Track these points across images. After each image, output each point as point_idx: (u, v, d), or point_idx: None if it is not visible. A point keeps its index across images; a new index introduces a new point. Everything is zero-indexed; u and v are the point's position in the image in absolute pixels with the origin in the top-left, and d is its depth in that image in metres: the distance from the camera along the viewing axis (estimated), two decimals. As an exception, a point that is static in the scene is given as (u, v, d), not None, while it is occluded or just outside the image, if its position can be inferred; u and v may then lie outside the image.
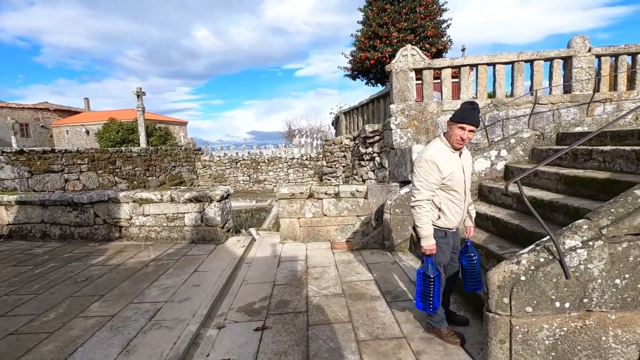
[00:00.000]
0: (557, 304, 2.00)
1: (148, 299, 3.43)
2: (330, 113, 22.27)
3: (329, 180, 11.61)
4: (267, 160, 19.11)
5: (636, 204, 1.99)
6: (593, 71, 6.24)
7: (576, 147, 3.66)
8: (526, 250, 2.10)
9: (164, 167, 16.38)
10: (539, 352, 2.03)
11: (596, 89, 6.22)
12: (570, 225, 2.08)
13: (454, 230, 2.55)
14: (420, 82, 6.71)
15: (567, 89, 6.39)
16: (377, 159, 7.64)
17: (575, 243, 1.99)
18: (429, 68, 6.44)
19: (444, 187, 2.38)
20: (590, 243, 1.97)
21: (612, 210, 2.03)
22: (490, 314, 2.07)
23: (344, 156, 10.77)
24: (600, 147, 3.57)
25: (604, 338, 2.03)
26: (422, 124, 6.38)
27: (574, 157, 3.84)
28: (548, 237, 2.06)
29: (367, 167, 8.32)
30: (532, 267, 2.00)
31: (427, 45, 13.30)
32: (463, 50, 19.59)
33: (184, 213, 5.44)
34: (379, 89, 16.48)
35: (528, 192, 3.70)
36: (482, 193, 4.50)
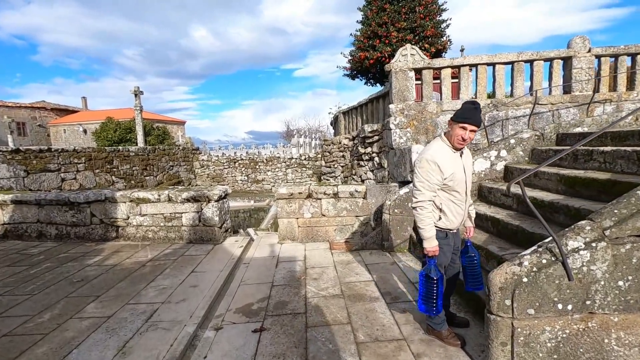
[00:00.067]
0: (560, 306, 1.97)
1: (145, 300, 3.39)
2: (329, 113, 22.26)
3: (328, 180, 11.58)
4: (266, 160, 19.06)
5: (639, 205, 1.97)
6: (593, 72, 6.23)
7: (577, 148, 3.64)
8: (528, 251, 2.08)
9: (161, 166, 16.30)
10: (540, 354, 2.01)
11: (596, 90, 6.22)
12: (572, 227, 2.05)
13: (455, 231, 2.53)
14: (419, 82, 6.69)
15: (567, 90, 6.38)
16: (376, 159, 7.61)
17: (578, 244, 1.97)
18: (429, 68, 6.42)
19: (445, 188, 2.35)
20: (593, 244, 1.95)
21: (615, 211, 2.00)
22: (492, 316, 2.05)
23: (343, 156, 10.74)
24: (601, 148, 3.55)
25: (606, 340, 2.01)
26: (421, 124, 6.36)
27: (575, 157, 3.82)
28: (550, 238, 2.03)
29: (366, 167, 8.29)
30: (535, 269, 1.97)
31: (426, 45, 13.31)
32: (462, 50, 19.59)
33: (182, 213, 5.40)
34: (378, 88, 16.45)
35: (528, 192, 3.68)
36: (482, 193, 4.48)
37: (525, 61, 6.34)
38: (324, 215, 5.35)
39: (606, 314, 1.99)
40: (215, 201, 5.31)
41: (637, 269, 1.94)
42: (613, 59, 6.36)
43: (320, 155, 16.06)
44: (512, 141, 4.73)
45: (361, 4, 14.69)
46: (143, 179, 14.86)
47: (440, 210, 2.39)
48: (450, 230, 2.46)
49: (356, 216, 5.35)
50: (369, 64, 14.06)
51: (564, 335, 2.00)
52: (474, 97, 6.76)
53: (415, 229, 2.48)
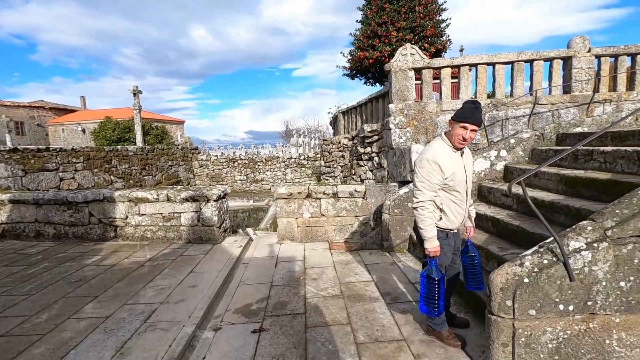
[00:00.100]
0: (561, 307, 1.96)
1: (143, 300, 3.37)
2: (328, 113, 22.24)
3: (327, 180, 11.57)
4: (265, 159, 19.04)
5: (641, 205, 1.95)
6: (593, 72, 6.23)
7: (577, 148, 3.63)
8: (529, 251, 2.06)
9: (160, 166, 16.27)
10: (542, 355, 1.99)
11: (596, 90, 6.21)
12: (574, 227, 2.04)
13: (456, 231, 2.51)
14: (419, 82, 6.67)
15: (567, 90, 6.38)
16: (376, 158, 7.60)
17: (580, 245, 1.95)
18: (429, 67, 6.41)
19: (446, 188, 2.34)
20: (595, 245, 1.94)
21: (617, 211, 1.99)
22: (493, 316, 2.03)
23: (342, 156, 10.73)
24: (601, 148, 3.54)
25: (607, 341, 2.00)
26: (421, 123, 6.34)
27: (575, 157, 3.81)
28: (552, 238, 2.02)
29: (366, 167, 8.28)
30: (536, 269, 1.96)
31: (426, 45, 13.30)
32: (461, 50, 19.58)
33: (181, 212, 5.37)
34: (377, 88, 16.44)
35: (529, 192, 3.61)
36: (482, 193, 4.47)
37: (525, 61, 6.34)
38: (324, 215, 5.34)
39: (608, 315, 1.98)
40: (214, 201, 5.29)
41: (638, 270, 1.93)
42: (613, 59, 6.36)
43: (319, 155, 16.04)
44: (512, 141, 4.72)
45: (361, 4, 14.69)
46: (142, 178, 14.83)
47: (441, 210, 2.38)
48: (451, 230, 2.45)
49: (355, 216, 5.34)
50: (368, 64, 14.05)
51: (565, 336, 1.98)
52: (473, 97, 6.76)
53: (416, 229, 2.47)
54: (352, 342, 2.61)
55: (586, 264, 1.94)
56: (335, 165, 11.25)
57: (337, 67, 18.42)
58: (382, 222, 4.75)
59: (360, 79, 16.25)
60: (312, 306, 3.20)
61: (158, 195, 5.38)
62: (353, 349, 2.51)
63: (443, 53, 14.38)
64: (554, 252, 1.98)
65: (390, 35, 13.22)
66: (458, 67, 6.49)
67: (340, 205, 5.31)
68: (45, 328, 2.88)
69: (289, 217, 5.35)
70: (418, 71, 6.51)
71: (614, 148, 3.41)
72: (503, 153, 4.68)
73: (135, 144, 17.76)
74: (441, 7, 14.14)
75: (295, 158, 18.77)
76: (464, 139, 2.28)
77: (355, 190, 5.27)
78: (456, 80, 6.95)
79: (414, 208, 2.36)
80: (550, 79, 6.42)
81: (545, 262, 1.97)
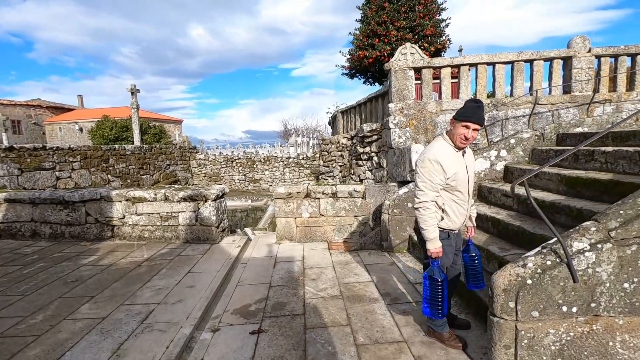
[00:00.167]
0: (564, 309, 1.93)
1: (140, 301, 3.33)
2: (327, 112, 22.24)
3: (326, 179, 11.53)
4: (263, 159, 18.99)
5: (646, 205, 1.93)
6: (593, 72, 6.22)
7: (580, 148, 3.61)
8: (532, 252, 2.04)
9: (158, 165, 16.19)
10: (544, 357, 1.97)
11: (596, 90, 6.20)
12: (577, 227, 2.01)
13: (457, 231, 2.49)
14: (419, 82, 6.65)
15: (567, 90, 6.36)
16: (375, 158, 7.57)
17: (584, 246, 1.93)
18: (429, 67, 6.38)
19: (448, 188, 2.31)
20: (599, 246, 1.91)
21: (621, 212, 1.97)
22: (495, 318, 2.01)
23: (341, 156, 10.69)
24: (602, 148, 3.52)
25: (611, 343, 1.97)
26: (421, 123, 6.32)
27: (576, 158, 3.79)
28: (555, 239, 2.00)
29: (365, 166, 8.25)
30: (539, 271, 1.93)
31: (425, 44, 13.29)
32: (460, 50, 19.57)
33: (178, 212, 5.33)
34: (376, 88, 16.44)
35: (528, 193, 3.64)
36: (482, 194, 4.45)
37: (525, 61, 6.32)
38: (323, 215, 5.30)
39: (611, 317, 1.95)
40: (213, 200, 5.25)
41: (643, 271, 1.91)
42: (613, 60, 6.35)
43: (318, 155, 16.01)
44: (512, 141, 4.70)
45: (360, 3, 14.64)
46: (139, 177, 14.75)
47: (443, 210, 2.35)
48: (453, 230, 2.42)
49: (355, 216, 5.31)
50: (367, 63, 14.03)
51: (568, 338, 1.96)
52: (473, 96, 6.74)
53: (417, 229, 2.43)
54: (352, 343, 2.58)
55: (590, 265, 1.91)
56: (334, 165, 11.22)
57: (336, 66, 18.38)
58: (382, 222, 4.72)
59: (360, 79, 16.24)
60: (312, 307, 3.17)
61: (156, 194, 5.34)
62: (353, 351, 2.48)
63: (443, 53, 14.37)
64: (557, 253, 1.96)
65: (389, 34, 13.20)
66: (458, 66, 6.47)
67: (339, 205, 5.28)
68: (40, 329, 2.84)
69: (288, 217, 5.31)
70: (418, 71, 6.48)
71: (615, 148, 3.40)
72: (503, 153, 4.66)
73: (133, 143, 17.67)
74: (441, 6, 14.13)
75: (294, 158, 18.73)
76: (466, 138, 2.25)
77: (355, 190, 5.24)
78: (456, 80, 6.92)
79: (416, 209, 2.32)
80: (550, 79, 6.41)
81: (549, 263, 1.94)
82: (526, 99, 6.26)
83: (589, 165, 3.61)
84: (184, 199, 5.27)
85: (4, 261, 4.58)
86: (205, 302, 3.24)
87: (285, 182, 18.29)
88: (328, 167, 11.73)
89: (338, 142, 10.91)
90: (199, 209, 5.27)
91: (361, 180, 8.32)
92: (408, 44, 6.56)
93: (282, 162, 18.74)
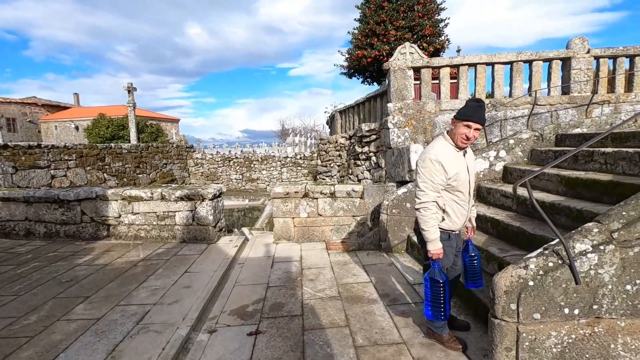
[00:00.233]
0: (566, 311, 1.91)
1: (136, 301, 3.28)
2: (325, 112, 22.21)
3: (324, 179, 11.50)
4: (261, 158, 18.94)
5: (648, 207, 1.92)
6: (592, 73, 6.22)
7: (581, 149, 3.61)
8: (534, 254, 2.02)
9: (154, 164, 16.10)
10: (546, 360, 1.95)
11: (594, 91, 6.21)
12: (580, 229, 1.99)
13: (457, 232, 2.46)
14: (418, 82, 6.63)
15: (566, 90, 6.37)
16: (374, 158, 7.55)
17: (586, 247, 1.91)
18: (428, 67, 6.37)
19: (449, 188, 2.28)
20: (601, 247, 1.89)
21: (624, 213, 1.95)
22: (496, 320, 1.98)
23: (339, 155, 10.67)
24: (602, 149, 3.51)
25: (612, 346, 1.96)
26: (419, 123, 6.30)
27: (575, 158, 3.78)
28: (557, 240, 1.98)
29: (363, 166, 8.23)
30: (541, 272, 1.91)
31: (424, 44, 13.28)
32: (458, 51, 19.60)
33: (175, 211, 5.28)
34: (374, 87, 16.44)
35: (528, 194, 3.63)
36: (481, 194, 4.43)
37: (525, 61, 6.32)
38: (321, 215, 5.27)
39: (613, 319, 1.94)
40: (210, 200, 5.21)
41: (645, 273, 1.89)
42: (611, 61, 6.36)
43: (315, 155, 15.97)
44: (511, 142, 4.69)
45: (359, 2, 14.61)
46: (136, 176, 14.66)
47: (444, 211, 2.32)
48: (453, 231, 2.40)
49: (353, 216, 5.28)
50: (366, 63, 14.01)
51: (570, 341, 1.94)
52: (472, 97, 6.73)
53: (417, 230, 2.41)
54: (350, 345, 2.55)
55: (592, 267, 1.89)
56: (332, 165, 11.19)
57: (334, 65, 18.38)
58: (380, 223, 4.70)
59: (358, 78, 16.22)
60: (310, 308, 3.14)
61: (152, 193, 5.28)
62: (352, 352, 2.45)
63: (441, 53, 14.38)
64: (559, 254, 1.93)
65: (388, 34, 13.18)
66: (457, 66, 6.46)
67: (337, 205, 5.25)
68: (34, 330, 2.79)
69: (286, 216, 5.28)
70: (417, 70, 6.46)
71: (615, 149, 3.39)
72: (502, 154, 4.65)
73: (130, 142, 17.56)
74: (440, 6, 14.13)
75: (292, 157, 18.69)
76: (467, 138, 2.23)
77: (353, 190, 5.21)
78: (455, 80, 6.92)
79: (417, 209, 2.29)
80: (549, 79, 6.41)
81: (551, 264, 1.92)
82: (525, 100, 6.26)
83: (589, 166, 3.60)
84: (181, 198, 5.22)
85: (-2, 260, 4.52)
86: (202, 303, 3.20)
87: (282, 181, 18.24)
88: (326, 166, 11.71)
89: (336, 142, 10.88)
90: (195, 208, 5.23)
91: (359, 180, 8.30)
92: (407, 44, 6.53)
93: (280, 161, 18.70)
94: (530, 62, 6.31)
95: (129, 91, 17.47)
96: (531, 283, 1.90)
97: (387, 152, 6.57)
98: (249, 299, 3.37)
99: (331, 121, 13.99)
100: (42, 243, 5.33)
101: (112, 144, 14.13)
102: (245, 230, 6.40)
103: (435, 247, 2.25)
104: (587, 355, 1.95)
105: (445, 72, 6.39)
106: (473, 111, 2.20)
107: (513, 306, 1.93)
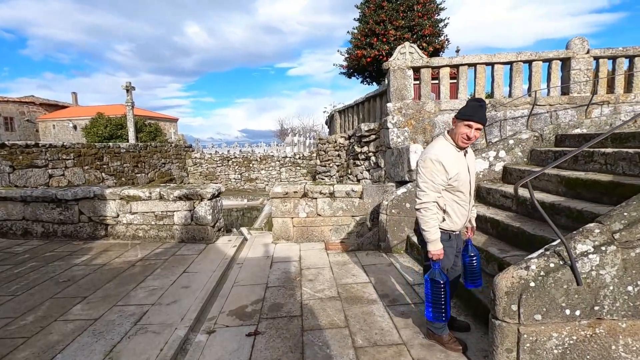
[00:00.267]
0: (568, 312, 1.90)
1: (134, 301, 3.26)
2: (324, 112, 22.19)
3: (323, 179, 11.48)
4: (259, 158, 18.91)
5: (650, 207, 1.91)
6: (591, 73, 6.22)
7: (583, 149, 3.60)
8: (535, 255, 2.01)
9: (153, 163, 16.05)
10: (547, 361, 1.94)
11: (594, 91, 6.21)
12: (581, 229, 1.98)
13: (458, 232, 2.45)
14: (417, 82, 6.62)
15: (565, 91, 6.37)
16: (373, 158, 7.54)
17: (587, 248, 1.90)
18: (427, 66, 6.35)
19: (450, 188, 2.27)
20: (603, 248, 1.88)
21: (625, 214, 1.94)
22: (497, 321, 1.97)
23: (338, 155, 10.65)
24: (602, 149, 3.51)
25: (613, 347, 1.95)
26: (419, 123, 6.29)
27: (575, 159, 3.78)
28: (558, 241, 1.97)
29: (362, 166, 8.22)
30: (542, 273, 1.90)
31: (424, 44, 13.27)
32: (457, 51, 19.62)
33: (174, 211, 5.25)
34: (374, 87, 16.40)
35: (527, 194, 3.62)
36: (480, 194, 4.42)
37: (524, 61, 6.31)
38: (320, 215, 5.26)
39: (614, 320, 1.93)
40: (208, 199, 5.18)
41: (647, 274, 1.88)
42: (611, 61, 6.36)
43: (315, 155, 15.96)
44: (511, 142, 4.68)
45: (359, 2, 14.59)
46: (134, 176, 14.61)
47: (444, 211, 2.31)
48: (454, 232, 2.38)
49: (352, 216, 5.26)
50: (366, 62, 13.99)
51: (571, 342, 1.93)
52: (471, 97, 6.72)
53: (417, 230, 2.40)
54: (350, 346, 2.53)
55: (593, 268, 1.88)
56: (331, 165, 11.17)
57: (334, 65, 18.32)
58: (380, 223, 4.69)
59: (357, 78, 16.20)
60: (309, 308, 3.12)
61: (150, 193, 5.26)
62: (351, 354, 2.44)
63: (441, 53, 14.37)
64: (560, 255, 1.92)
65: (388, 33, 13.17)
66: (457, 66, 6.45)
67: (336, 205, 5.24)
68: (30, 330, 2.76)
69: (285, 216, 5.26)
70: (416, 70, 6.45)
71: (615, 150, 3.38)
72: (502, 154, 4.64)
73: (128, 141, 17.50)
74: (439, 6, 14.12)
75: (290, 157, 18.67)
76: (468, 138, 2.21)
77: (352, 190, 5.20)
78: (455, 80, 6.91)
79: (417, 209, 2.28)
80: (548, 80, 6.40)
81: (552, 265, 1.91)
82: (525, 100, 6.25)
83: (589, 166, 3.60)
84: (179, 198, 5.20)
85: (-6, 260, 4.48)
86: (200, 303, 3.18)
87: (281, 181, 18.21)
88: (325, 166, 11.69)
89: (335, 142, 10.86)
90: (194, 208, 5.20)
91: (358, 180, 8.29)
92: (407, 43, 6.52)
93: (279, 161, 18.67)
94: (529, 62, 6.31)
95: (127, 90, 17.42)
96: (532, 284, 1.89)
97: (386, 152, 6.56)
98: (247, 300, 3.35)
99: (330, 121, 13.97)
100: (39, 243, 5.30)
101: (111, 144, 14.08)
102: (244, 230, 6.38)
103: (435, 248, 2.24)
104: (588, 357, 1.94)
105: (444, 72, 6.39)
106: (474, 111, 2.19)
107: (514, 307, 1.92)
